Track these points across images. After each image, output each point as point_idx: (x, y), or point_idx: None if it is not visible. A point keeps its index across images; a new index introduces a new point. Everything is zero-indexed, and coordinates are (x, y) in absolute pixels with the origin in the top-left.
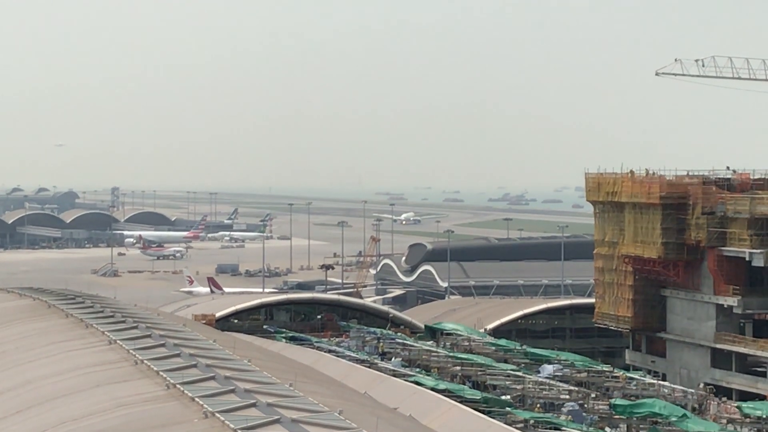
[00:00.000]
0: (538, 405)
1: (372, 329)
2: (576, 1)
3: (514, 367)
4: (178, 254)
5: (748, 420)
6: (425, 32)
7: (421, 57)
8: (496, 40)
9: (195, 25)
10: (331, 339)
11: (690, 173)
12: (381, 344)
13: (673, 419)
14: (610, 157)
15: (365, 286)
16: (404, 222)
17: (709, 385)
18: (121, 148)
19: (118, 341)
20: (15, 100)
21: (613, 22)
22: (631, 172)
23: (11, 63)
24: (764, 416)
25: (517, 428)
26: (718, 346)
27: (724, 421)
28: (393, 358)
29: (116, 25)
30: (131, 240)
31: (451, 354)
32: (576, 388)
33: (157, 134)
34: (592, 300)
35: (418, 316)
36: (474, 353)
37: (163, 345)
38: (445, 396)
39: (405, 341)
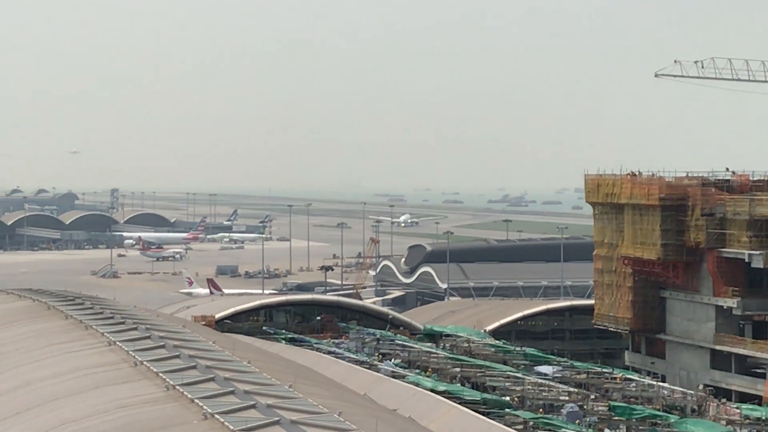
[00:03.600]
0: (541, 409)
1: (371, 331)
2: (575, 3)
3: (513, 368)
4: (177, 256)
5: (747, 421)
6: (426, 33)
7: (421, 58)
8: (496, 42)
9: (193, 27)
10: (331, 340)
11: (689, 175)
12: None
13: (672, 420)
14: (609, 159)
15: (365, 288)
16: (402, 224)
17: (708, 386)
18: (120, 149)
19: (117, 343)
20: (13, 101)
21: (613, 23)
22: (632, 173)
23: (9, 64)
24: (764, 417)
25: (516, 429)
26: (718, 347)
27: (724, 422)
28: (392, 360)
29: (114, 27)
30: (131, 241)
31: (451, 355)
32: (575, 390)
33: (157, 135)
34: (591, 301)
35: (417, 317)
36: (473, 355)
37: (162, 346)
38: (444, 397)
39: (404, 342)
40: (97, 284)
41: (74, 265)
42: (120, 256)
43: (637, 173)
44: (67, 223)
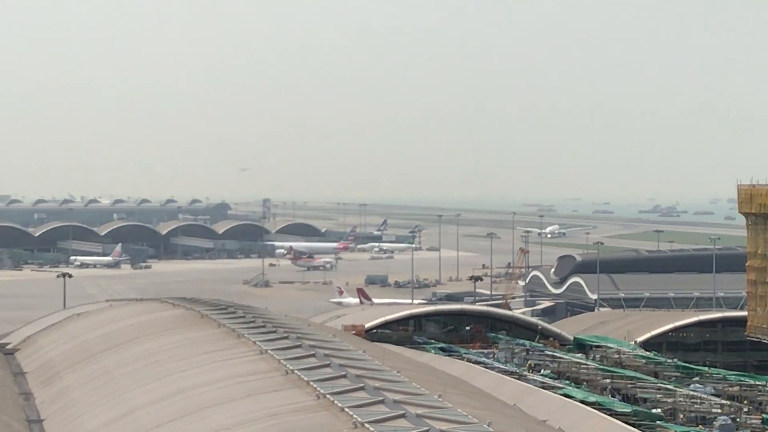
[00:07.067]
0: (700, 424)
1: (521, 341)
2: (734, 10)
3: (664, 380)
4: (328, 265)
5: None
6: (565, 43)
7: (577, 69)
8: (651, 53)
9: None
10: (480, 350)
11: None
12: (529, 362)
13: None
14: (763, 169)
15: (514, 298)
16: (549, 235)
17: None
18: (272, 159)
19: (269, 351)
20: (164, 108)
21: (760, 28)
22: None
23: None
24: None
25: None
26: None
27: None
28: (542, 371)
29: (275, 40)
30: (282, 251)
31: (601, 366)
32: (728, 402)
33: (308, 146)
34: (744, 313)
35: (567, 328)
36: (624, 366)
37: (313, 355)
38: (594, 409)
39: (554, 353)
40: (249, 293)
41: (227, 274)
42: (271, 265)
43: None
44: (220, 232)
